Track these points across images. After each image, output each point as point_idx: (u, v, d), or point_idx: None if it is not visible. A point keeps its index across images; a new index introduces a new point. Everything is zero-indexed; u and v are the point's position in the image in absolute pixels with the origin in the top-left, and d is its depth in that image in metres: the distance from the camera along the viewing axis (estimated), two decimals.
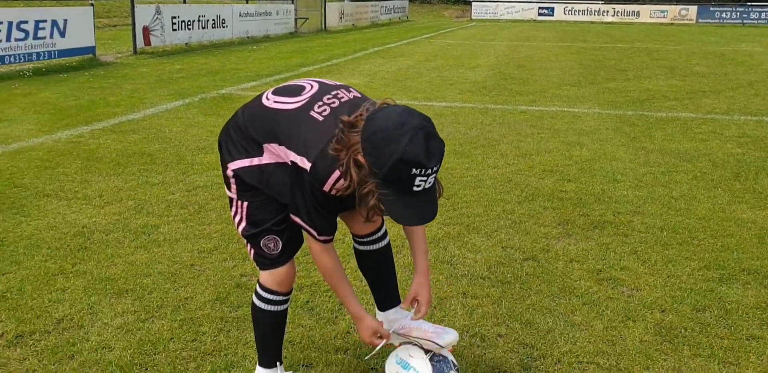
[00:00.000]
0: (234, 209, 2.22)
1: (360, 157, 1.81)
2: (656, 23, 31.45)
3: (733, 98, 9.33)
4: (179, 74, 11.38)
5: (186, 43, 15.81)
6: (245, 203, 2.17)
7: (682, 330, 2.87)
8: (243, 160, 2.13)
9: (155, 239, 4.01)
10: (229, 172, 2.17)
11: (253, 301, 2.30)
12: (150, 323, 2.97)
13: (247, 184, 2.14)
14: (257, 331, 2.34)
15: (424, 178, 1.78)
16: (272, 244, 2.18)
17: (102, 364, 2.63)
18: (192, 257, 3.71)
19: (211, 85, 10.07)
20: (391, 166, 1.75)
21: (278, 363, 2.34)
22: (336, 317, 2.98)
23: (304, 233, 2.11)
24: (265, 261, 2.22)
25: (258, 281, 2.29)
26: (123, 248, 3.88)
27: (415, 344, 2.26)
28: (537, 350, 2.69)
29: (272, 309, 2.26)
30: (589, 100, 9.16)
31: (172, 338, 2.83)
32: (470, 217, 4.34)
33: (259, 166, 2.10)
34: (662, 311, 3.03)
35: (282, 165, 2.06)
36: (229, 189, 2.21)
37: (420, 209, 1.86)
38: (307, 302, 3.13)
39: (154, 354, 2.71)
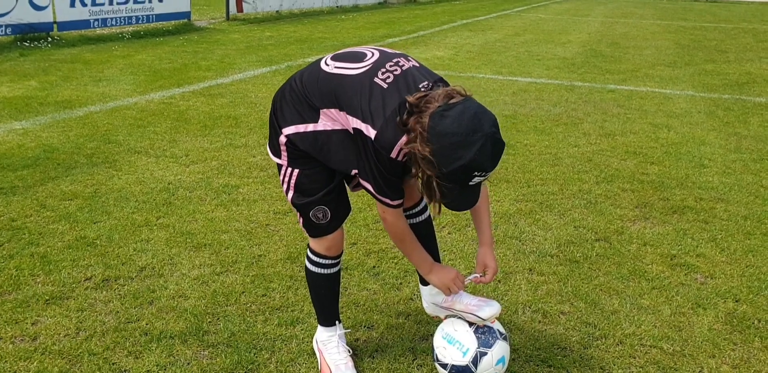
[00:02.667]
0: (282, 176, 2.19)
1: (426, 151, 1.81)
2: (766, 2, 29.56)
3: None
4: (268, 41, 11.59)
5: (276, 11, 16.04)
6: (295, 171, 2.15)
7: (755, 321, 2.78)
8: (298, 126, 2.09)
9: (234, 199, 4.17)
10: (282, 138, 2.13)
11: (305, 265, 2.36)
12: (224, 276, 3.11)
13: (299, 150, 2.12)
14: (313, 292, 2.42)
15: (482, 178, 1.83)
16: (321, 214, 2.19)
17: (178, 311, 2.78)
18: (267, 217, 3.85)
19: (298, 53, 10.22)
20: (456, 168, 1.79)
21: (337, 322, 2.42)
22: (401, 283, 3.04)
23: (377, 203, 2.09)
24: (314, 230, 2.25)
25: (308, 245, 2.34)
26: (204, 205, 4.05)
27: (460, 318, 2.28)
28: (599, 329, 2.67)
29: (324, 272, 2.32)
30: (683, 81, 8.78)
31: (243, 292, 2.96)
32: (544, 194, 4.29)
33: (315, 132, 2.09)
34: (736, 301, 2.95)
35: (339, 132, 2.05)
36: (279, 156, 2.18)
37: (467, 197, 1.92)
38: (374, 266, 3.20)
39: (226, 305, 2.85)
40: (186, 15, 13.19)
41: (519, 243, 3.51)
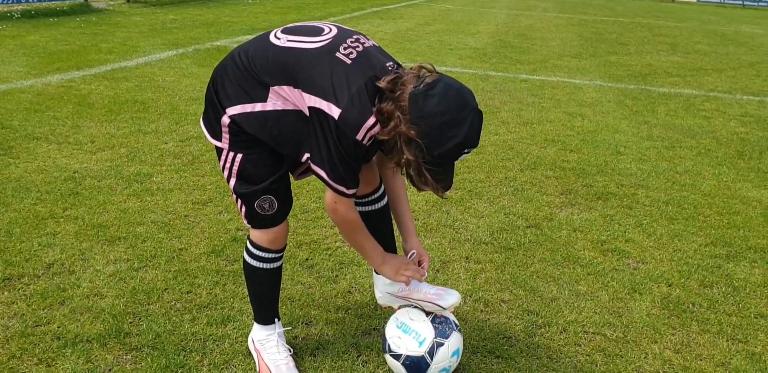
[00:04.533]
0: (223, 161, 1.99)
1: (413, 135, 1.71)
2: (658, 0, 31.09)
3: (735, 78, 9.23)
4: (173, 25, 11.06)
5: None
6: (238, 156, 1.96)
7: (690, 305, 2.82)
8: (244, 105, 1.90)
9: (148, 188, 3.89)
10: (225, 119, 1.93)
11: (244, 258, 2.16)
12: (143, 272, 2.87)
13: (245, 133, 1.94)
14: (251, 288, 2.23)
15: (468, 154, 1.79)
16: (267, 204, 2.01)
17: (94, 311, 2.53)
18: (186, 207, 3.60)
19: (205, 37, 9.80)
20: (449, 148, 1.73)
21: (276, 319, 2.25)
22: (336, 276, 2.90)
23: (327, 193, 1.93)
24: (258, 221, 2.07)
25: (248, 237, 2.14)
26: (115, 196, 3.76)
27: (416, 307, 2.18)
28: (542, 317, 2.62)
29: (265, 267, 2.14)
30: (591, 72, 9.02)
31: (166, 289, 2.73)
32: (472, 182, 4.25)
33: (263, 113, 1.90)
34: (669, 286, 2.98)
35: (291, 112, 1.88)
36: (218, 138, 1.98)
37: (451, 174, 1.85)
38: (307, 259, 3.04)
39: (148, 304, 2.61)
40: None
41: (453, 231, 3.44)
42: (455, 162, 1.81)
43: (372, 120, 1.77)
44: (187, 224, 3.39)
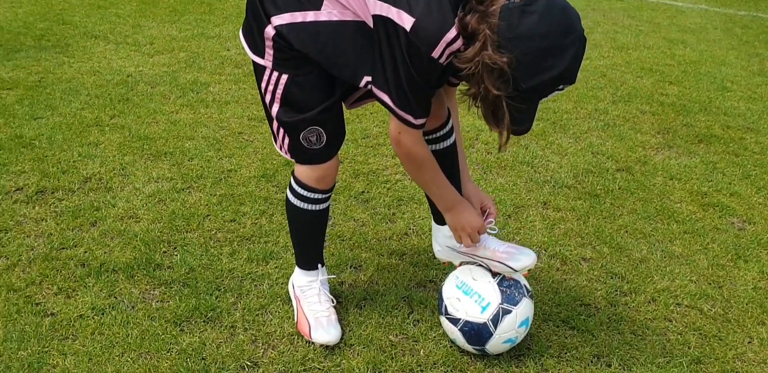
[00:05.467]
0: (265, 83, 1.66)
1: (502, 62, 1.35)
2: None
3: None
4: None
5: None
6: (283, 77, 1.64)
7: None
8: (294, 14, 1.57)
9: (203, 99, 3.60)
10: (269, 30, 1.59)
11: (287, 196, 1.85)
12: (186, 194, 2.62)
13: (292, 49, 1.60)
14: (294, 230, 1.93)
15: (562, 91, 1.45)
16: (315, 137, 1.69)
17: (126, 236, 2.30)
18: (241, 124, 3.31)
19: None
20: (542, 82, 1.38)
21: (319, 265, 1.96)
22: (393, 213, 2.58)
23: (391, 122, 1.59)
24: (303, 156, 1.75)
25: (293, 173, 1.82)
26: (167, 105, 3.49)
27: (480, 265, 1.85)
28: (627, 282, 2.26)
29: (311, 208, 1.83)
30: None
31: (208, 215, 2.48)
32: (557, 113, 3.79)
33: (316, 24, 1.56)
34: None
35: (351, 24, 1.55)
36: (260, 54, 1.64)
37: (533, 114, 1.50)
38: (363, 192, 2.72)
39: (186, 232, 2.37)
40: None
41: (531, 170, 3.04)
42: (543, 100, 1.45)
43: (453, 33, 1.41)
44: (239, 143, 3.10)
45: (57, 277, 2.06)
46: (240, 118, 3.36)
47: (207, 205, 2.54)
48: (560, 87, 1.42)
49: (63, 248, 2.22)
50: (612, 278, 2.28)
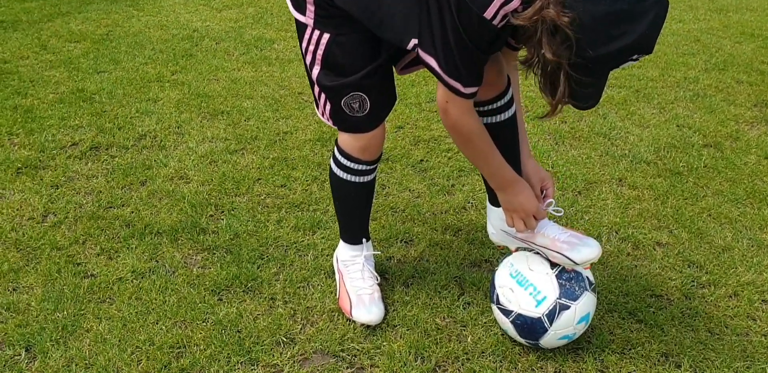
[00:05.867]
0: (306, 42, 1.53)
1: (566, 24, 1.18)
2: None
3: None
4: None
5: None
6: (324, 36, 1.50)
7: None
8: None
9: (266, 56, 3.50)
10: None
11: (330, 166, 1.72)
12: (239, 155, 2.53)
13: (332, 5, 1.46)
14: (337, 202, 1.81)
15: (636, 61, 1.28)
16: (357, 104, 1.55)
17: (174, 197, 2.24)
18: (302, 84, 3.18)
19: None
20: (612, 51, 1.22)
21: (364, 240, 1.83)
22: (452, 185, 2.42)
23: (438, 89, 1.43)
24: (345, 123, 1.61)
25: (336, 141, 1.69)
26: (230, 61, 3.40)
27: (538, 253, 1.68)
28: (707, 273, 2.05)
29: (355, 180, 1.69)
30: None
31: (259, 179, 2.39)
32: (641, 80, 3.50)
33: None
34: None
35: None
36: (302, 11, 1.51)
37: (600, 90, 1.32)
38: (421, 160, 2.57)
39: (235, 195, 2.29)
40: None
41: (607, 142, 2.81)
42: (613, 71, 1.28)
43: None
44: (298, 104, 2.99)
45: (101, 237, 2.02)
46: (302, 78, 3.24)
47: (259, 168, 2.44)
48: (634, 57, 1.24)
49: (110, 207, 2.18)
50: (689, 267, 2.07)
